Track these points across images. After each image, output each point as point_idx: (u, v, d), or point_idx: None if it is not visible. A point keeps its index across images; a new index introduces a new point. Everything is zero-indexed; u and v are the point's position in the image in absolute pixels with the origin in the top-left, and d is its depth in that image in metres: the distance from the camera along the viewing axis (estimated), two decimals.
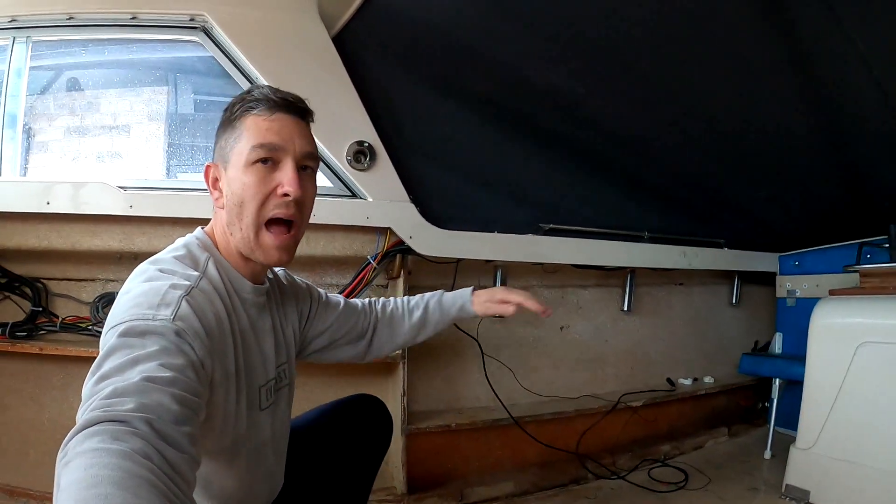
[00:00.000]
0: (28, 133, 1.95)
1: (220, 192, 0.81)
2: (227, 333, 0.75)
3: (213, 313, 0.72)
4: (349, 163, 1.61)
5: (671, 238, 2.15)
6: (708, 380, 2.43)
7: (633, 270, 2.17)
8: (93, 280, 1.73)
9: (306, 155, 0.80)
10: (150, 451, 0.49)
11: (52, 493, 0.76)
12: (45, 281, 1.72)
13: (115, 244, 1.64)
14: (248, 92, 0.81)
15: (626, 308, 2.19)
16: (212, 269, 0.78)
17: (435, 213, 1.68)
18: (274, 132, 0.77)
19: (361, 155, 1.62)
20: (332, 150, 1.61)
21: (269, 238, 0.79)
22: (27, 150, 1.93)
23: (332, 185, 1.65)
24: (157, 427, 0.51)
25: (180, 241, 0.83)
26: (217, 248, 0.82)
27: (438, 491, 1.73)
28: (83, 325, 1.68)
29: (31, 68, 1.84)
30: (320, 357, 1.07)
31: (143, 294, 0.67)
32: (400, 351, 1.66)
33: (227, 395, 0.75)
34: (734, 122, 1.83)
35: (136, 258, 1.69)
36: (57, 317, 1.69)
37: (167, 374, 0.56)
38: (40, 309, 1.70)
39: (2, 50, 1.75)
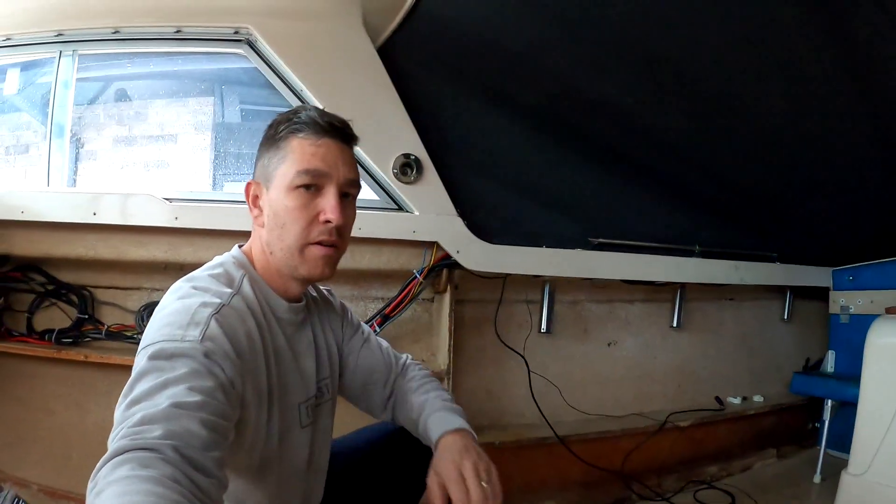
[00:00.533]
0: (77, 143, 1.99)
1: (261, 210, 0.81)
2: (260, 352, 0.75)
3: (244, 332, 0.71)
4: (396, 176, 1.58)
5: (723, 252, 2.06)
6: (757, 398, 2.33)
7: (683, 285, 2.09)
8: (138, 289, 1.74)
9: (349, 182, 0.80)
10: (180, 476, 0.50)
11: None
12: (91, 289, 1.74)
13: (160, 255, 1.65)
14: (295, 112, 0.80)
15: (675, 324, 2.11)
16: (246, 287, 0.78)
17: (482, 226, 1.64)
18: (319, 158, 0.77)
19: (408, 168, 1.59)
20: (379, 163, 1.58)
21: (316, 250, 0.78)
22: (76, 159, 1.97)
23: (378, 199, 1.63)
24: (185, 453, 0.52)
25: (217, 259, 0.83)
26: (254, 265, 0.82)
27: None
28: (128, 334, 1.69)
29: (80, 79, 1.86)
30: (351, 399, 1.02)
31: (174, 313, 0.67)
32: (444, 366, 1.63)
33: (259, 414, 0.75)
34: (789, 131, 1.75)
35: (182, 269, 1.70)
36: (103, 324, 1.71)
37: (196, 398, 0.57)
38: (86, 316, 1.72)
39: (48, 63, 1.77)
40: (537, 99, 1.69)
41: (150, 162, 1.95)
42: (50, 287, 1.73)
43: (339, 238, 0.80)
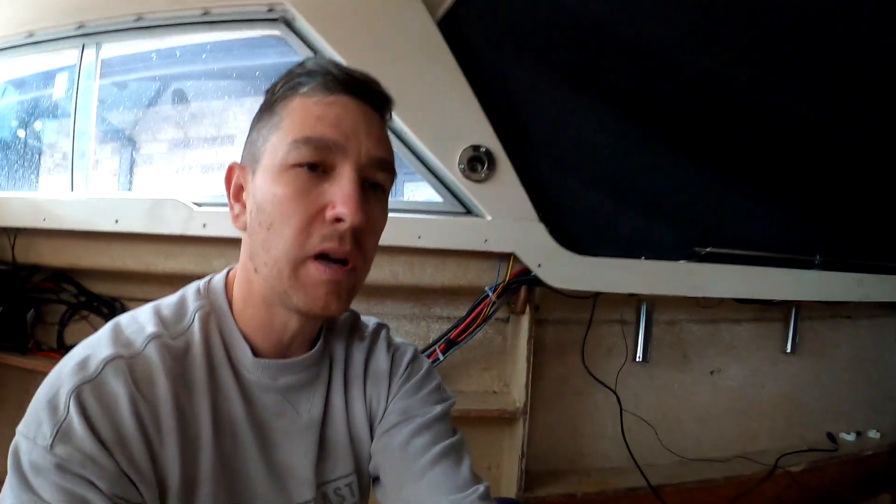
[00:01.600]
0: (133, 146, 1.89)
1: (243, 206, 0.54)
2: (190, 422, 0.50)
3: (162, 393, 0.48)
4: (463, 172, 1.33)
5: (846, 263, 1.72)
6: (873, 434, 1.99)
7: (798, 303, 1.75)
8: None
9: (376, 162, 0.51)
10: None
11: None
12: (124, 301, 1.60)
13: (191, 267, 1.47)
14: (301, 64, 0.54)
15: (788, 349, 1.79)
16: (196, 327, 0.52)
17: (569, 234, 1.38)
18: (328, 122, 0.50)
19: (478, 162, 1.34)
20: (442, 157, 1.34)
21: (313, 270, 0.49)
22: (131, 163, 1.89)
23: (442, 201, 1.38)
24: None
25: (189, 287, 0.58)
26: (228, 293, 0.56)
27: None
28: None
29: (135, 80, 1.79)
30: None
31: (49, 378, 0.47)
32: (521, 403, 1.38)
33: None
34: None
35: None
36: None
37: None
38: None
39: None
40: (630, 79, 1.43)
41: (207, 165, 1.82)
42: (81, 298, 1.61)
43: (356, 249, 0.51)
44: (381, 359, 0.63)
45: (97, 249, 1.50)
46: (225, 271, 0.59)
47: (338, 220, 0.48)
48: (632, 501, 1.50)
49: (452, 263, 1.36)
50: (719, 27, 1.36)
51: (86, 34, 1.60)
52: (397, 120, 1.35)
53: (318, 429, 0.58)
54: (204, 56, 1.73)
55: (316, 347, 0.58)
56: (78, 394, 0.44)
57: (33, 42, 1.66)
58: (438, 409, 0.60)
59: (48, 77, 1.87)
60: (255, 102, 1.83)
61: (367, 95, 0.53)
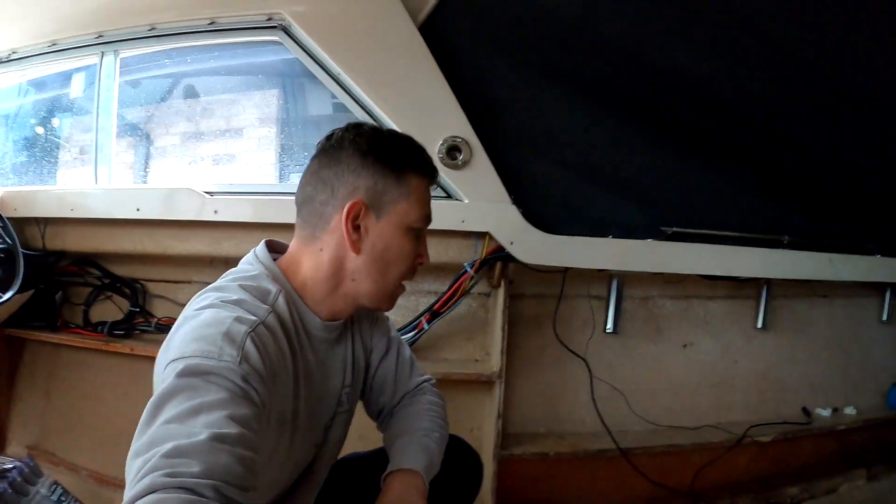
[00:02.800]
0: (147, 140, 2.05)
1: (359, 235, 0.75)
2: (290, 375, 0.71)
3: (277, 353, 0.67)
4: (442, 161, 1.46)
5: (815, 243, 1.79)
6: (849, 410, 2.04)
7: (769, 281, 1.84)
8: (189, 283, 1.74)
9: None
10: None
11: None
12: (144, 282, 1.76)
13: (203, 249, 1.63)
14: (408, 143, 0.79)
15: (760, 325, 1.87)
16: (281, 303, 0.72)
17: (540, 215, 1.49)
18: (429, 205, 0.79)
19: (455, 151, 1.46)
20: (424, 146, 1.46)
21: (399, 291, 0.80)
22: (146, 156, 2.03)
23: None
24: (224, 493, 0.49)
25: (246, 267, 0.77)
26: (290, 279, 0.76)
27: None
28: None
29: (149, 78, 1.93)
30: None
31: (205, 326, 0.62)
32: (497, 367, 1.51)
33: (279, 440, 0.71)
34: None
35: (227, 263, 1.63)
36: (153, 317, 1.73)
37: (234, 430, 0.53)
38: (138, 309, 1.75)
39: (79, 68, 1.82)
40: (599, 71, 1.53)
41: (218, 156, 1.97)
42: (105, 280, 1.77)
43: None
44: (372, 317, 0.93)
45: (119, 235, 1.67)
46: (267, 260, 0.77)
47: (421, 264, 0.81)
48: (602, 463, 1.61)
49: (434, 242, 1.45)
50: (683, 21, 1.43)
51: (104, 42, 1.76)
52: (381, 115, 1.49)
53: (343, 362, 0.84)
54: (211, 59, 1.88)
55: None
56: (251, 335, 0.63)
57: (56, 50, 1.81)
58: (394, 334, 0.95)
59: (66, 77, 2.03)
60: (261, 97, 1.98)
61: (436, 182, 0.84)
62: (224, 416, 0.53)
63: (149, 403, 0.55)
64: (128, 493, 0.47)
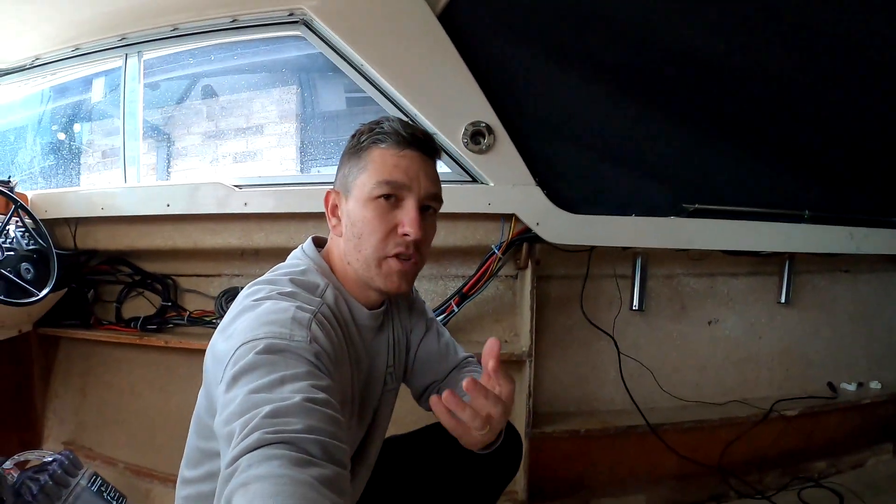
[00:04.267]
0: (168, 141, 2.08)
1: (339, 219, 0.80)
2: (346, 361, 0.74)
3: (335, 340, 0.70)
4: (466, 146, 1.49)
5: (836, 217, 1.80)
6: (874, 385, 2.03)
7: (791, 256, 1.85)
8: (219, 276, 1.78)
9: (431, 196, 0.78)
10: (327, 476, 0.48)
11: (174, 475, 0.76)
12: (174, 277, 1.80)
13: (234, 241, 1.67)
14: (378, 123, 0.78)
15: (783, 300, 1.88)
16: (330, 295, 0.76)
17: (564, 196, 1.51)
18: (401, 169, 0.75)
19: (479, 136, 1.49)
20: (448, 133, 1.50)
21: (393, 263, 0.76)
22: (168, 157, 2.07)
23: (450, 171, 1.54)
24: (328, 448, 0.51)
25: (295, 261, 0.80)
26: (334, 272, 0.81)
27: (563, 500, 1.60)
28: (207, 319, 1.74)
29: (168, 80, 1.97)
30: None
31: (271, 312, 0.65)
32: (526, 347, 1.53)
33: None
34: None
35: (257, 254, 1.71)
36: (185, 310, 1.77)
37: (320, 395, 0.56)
38: (170, 303, 1.79)
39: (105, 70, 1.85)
40: (616, 53, 1.55)
41: (227, 153, 2.01)
42: (136, 277, 1.82)
43: (417, 252, 0.77)
44: (409, 300, 0.97)
45: (149, 232, 1.71)
46: (315, 254, 0.81)
47: (405, 235, 0.75)
48: (632, 439, 1.63)
49: (462, 226, 1.52)
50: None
51: (128, 44, 1.79)
52: (405, 103, 1.52)
53: (387, 345, 0.87)
54: (232, 57, 1.92)
55: (385, 299, 0.87)
56: (317, 319, 0.67)
57: (79, 54, 1.85)
58: (430, 314, 0.99)
59: (87, 82, 2.06)
60: (282, 94, 2.01)
61: (425, 149, 0.78)
62: (308, 384, 0.56)
63: (227, 376, 0.58)
64: (235, 449, 0.49)
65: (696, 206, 1.61)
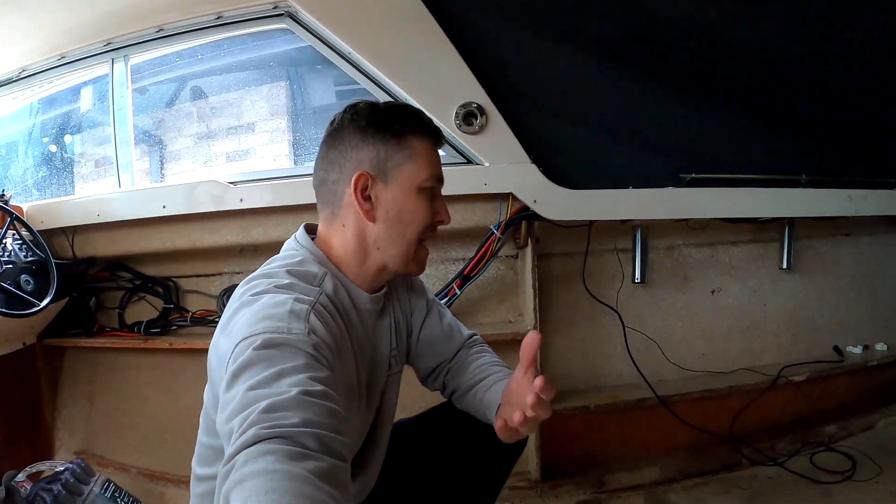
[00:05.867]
0: (160, 145, 2.07)
1: (371, 203, 0.79)
2: (348, 349, 0.74)
3: (335, 329, 0.70)
4: (459, 127, 1.49)
5: (834, 180, 1.80)
6: (880, 347, 2.03)
7: (791, 221, 1.84)
8: (219, 274, 1.78)
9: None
10: (323, 469, 0.48)
11: (188, 476, 0.76)
12: (175, 279, 1.80)
13: (233, 238, 1.67)
14: (407, 110, 0.81)
15: (785, 265, 1.88)
16: (328, 284, 0.76)
17: (560, 172, 1.51)
18: (438, 165, 0.82)
19: (472, 117, 1.48)
20: (440, 115, 1.48)
21: (423, 251, 0.82)
22: (161, 161, 2.06)
23: (444, 154, 1.53)
24: (325, 441, 0.51)
25: (290, 252, 0.80)
26: (331, 257, 0.80)
27: (576, 478, 1.59)
28: (210, 319, 1.74)
29: (156, 83, 1.95)
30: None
31: (268, 307, 0.65)
32: (531, 326, 1.53)
33: (349, 407, 0.73)
34: None
35: (257, 249, 1.70)
36: (188, 311, 1.76)
37: (318, 387, 0.56)
38: (172, 305, 1.79)
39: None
40: (607, 26, 1.54)
41: (220, 152, 2.00)
42: (137, 282, 1.81)
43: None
44: (407, 281, 0.97)
45: (147, 235, 1.70)
46: (309, 243, 0.81)
47: (441, 223, 0.82)
48: (642, 412, 1.63)
49: (459, 208, 1.51)
50: None
51: (114, 49, 1.78)
52: (396, 88, 1.51)
53: (389, 328, 0.88)
54: (218, 56, 1.91)
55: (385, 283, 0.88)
56: (315, 311, 0.67)
57: (66, 63, 1.84)
58: (431, 295, 0.99)
59: (75, 92, 2.05)
60: (271, 89, 1.99)
61: (441, 142, 0.84)
62: (306, 377, 0.56)
63: (227, 374, 0.58)
64: (233, 446, 0.49)
65: (693, 175, 1.61)
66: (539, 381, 0.68)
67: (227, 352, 0.62)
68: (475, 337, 0.99)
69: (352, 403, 0.75)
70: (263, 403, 0.51)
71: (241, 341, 0.60)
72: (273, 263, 0.77)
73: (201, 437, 0.79)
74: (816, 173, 1.77)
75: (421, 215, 0.78)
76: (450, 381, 0.95)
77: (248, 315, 0.64)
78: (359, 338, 0.79)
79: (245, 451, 0.48)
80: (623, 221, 1.65)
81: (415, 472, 0.94)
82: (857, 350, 2.00)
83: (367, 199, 0.78)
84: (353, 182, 0.77)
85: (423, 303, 0.96)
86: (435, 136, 0.82)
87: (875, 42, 1.62)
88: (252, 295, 0.68)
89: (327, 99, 2.01)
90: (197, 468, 0.80)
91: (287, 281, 0.71)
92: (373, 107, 0.80)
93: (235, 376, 0.57)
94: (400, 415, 0.95)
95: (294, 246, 0.81)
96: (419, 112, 0.82)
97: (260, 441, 0.48)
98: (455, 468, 0.91)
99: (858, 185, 1.85)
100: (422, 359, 0.96)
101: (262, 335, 0.60)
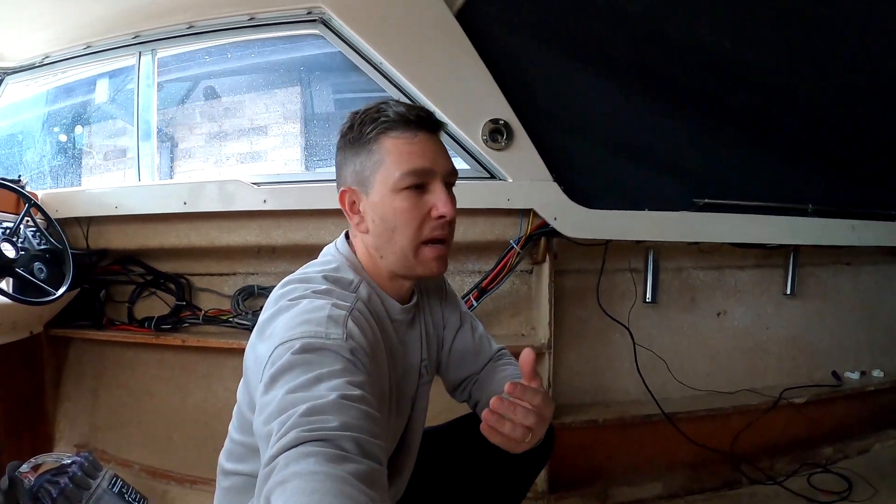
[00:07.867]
0: (171, 143, 2.07)
1: (361, 216, 0.79)
2: (383, 355, 0.74)
3: (371, 335, 0.71)
4: (485, 143, 1.52)
5: (838, 210, 1.86)
6: (877, 373, 2.09)
7: (796, 248, 1.90)
8: (234, 274, 1.78)
9: (450, 172, 0.79)
10: (363, 472, 0.49)
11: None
12: (188, 276, 1.80)
13: (252, 239, 1.67)
14: (378, 110, 0.76)
15: (788, 291, 1.93)
16: (363, 291, 0.77)
17: (580, 191, 1.55)
18: (419, 156, 0.75)
19: (498, 133, 1.52)
20: (467, 130, 1.52)
21: (429, 251, 0.77)
22: (171, 158, 2.05)
23: (469, 168, 1.57)
24: (363, 445, 0.52)
25: (327, 258, 0.81)
26: (364, 268, 0.81)
27: (582, 490, 1.62)
28: (224, 318, 1.74)
29: (169, 81, 1.94)
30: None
31: (306, 312, 0.66)
32: (545, 339, 1.56)
33: (382, 414, 0.72)
34: None
35: (274, 251, 1.72)
36: (200, 310, 1.76)
37: (356, 391, 0.57)
38: (184, 303, 1.78)
39: (132, 69, 1.82)
40: (628, 51, 1.59)
41: (241, 153, 2.01)
42: (149, 277, 1.80)
43: (449, 232, 0.79)
44: (438, 287, 0.97)
45: (164, 230, 1.70)
46: (347, 250, 0.81)
47: (441, 217, 0.76)
48: (648, 427, 1.66)
49: (481, 221, 1.55)
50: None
51: (142, 42, 1.78)
52: (426, 101, 1.53)
53: (420, 338, 0.88)
54: (245, 56, 1.92)
55: (418, 292, 0.88)
56: (352, 317, 0.68)
57: (91, 52, 1.83)
58: (463, 307, 1.00)
59: (91, 83, 2.05)
60: (293, 94, 1.99)
61: (433, 127, 0.78)
62: (344, 381, 0.57)
63: (265, 377, 0.60)
64: (273, 448, 0.50)
65: (706, 200, 1.65)
66: (508, 385, 0.67)
67: (265, 355, 0.63)
68: (503, 350, 1.01)
69: (384, 409, 0.75)
70: (303, 407, 0.52)
71: (279, 345, 0.62)
72: (310, 268, 0.79)
73: (233, 434, 0.80)
74: (822, 203, 1.83)
75: (404, 216, 0.75)
76: (475, 393, 0.96)
77: (287, 319, 0.66)
78: (391, 345, 0.79)
79: (286, 453, 0.49)
80: (637, 242, 1.69)
81: (443, 480, 0.95)
82: (855, 375, 2.06)
83: (358, 212, 0.79)
84: (339, 200, 0.80)
85: (457, 316, 0.97)
86: (415, 124, 0.75)
87: (882, 77, 1.68)
88: (290, 300, 0.70)
89: (358, 104, 2.03)
90: (226, 463, 0.81)
91: (325, 287, 0.72)
92: (351, 117, 0.79)
93: (274, 380, 0.58)
94: (429, 423, 0.97)
95: (332, 252, 0.83)
96: (395, 104, 0.77)
97: (301, 444, 0.49)
98: (480, 477, 0.93)
99: (861, 215, 1.91)
100: (451, 371, 0.98)
101: (301, 340, 0.61)
